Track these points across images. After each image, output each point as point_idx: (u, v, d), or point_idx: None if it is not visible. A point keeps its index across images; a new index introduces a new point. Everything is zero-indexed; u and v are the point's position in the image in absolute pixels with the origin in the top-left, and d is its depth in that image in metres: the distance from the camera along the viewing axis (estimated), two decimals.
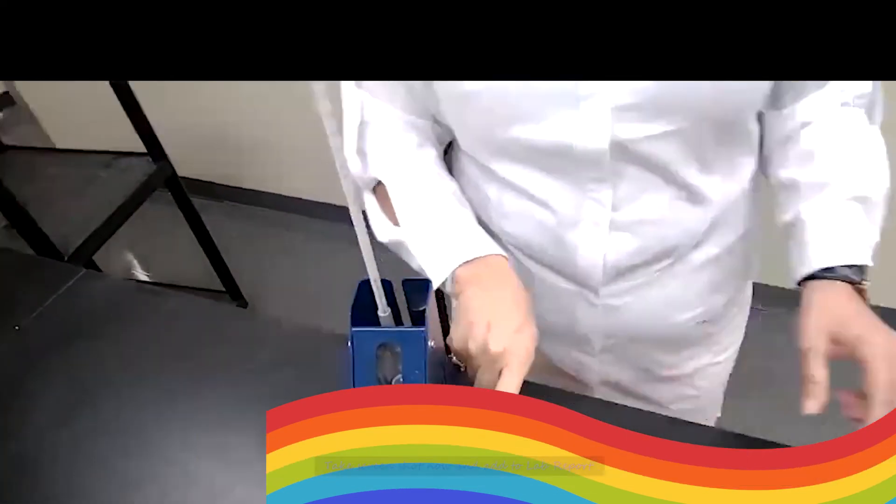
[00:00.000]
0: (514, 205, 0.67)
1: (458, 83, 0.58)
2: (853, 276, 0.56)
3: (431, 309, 0.53)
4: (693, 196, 0.64)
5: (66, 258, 1.39)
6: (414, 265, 0.66)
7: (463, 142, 0.69)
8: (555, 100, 0.56)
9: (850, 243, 0.58)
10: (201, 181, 2.57)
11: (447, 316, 1.75)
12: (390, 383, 0.55)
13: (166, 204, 1.81)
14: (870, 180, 0.61)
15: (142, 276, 2.45)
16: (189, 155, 2.26)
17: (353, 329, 0.50)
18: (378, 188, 0.69)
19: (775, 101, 0.63)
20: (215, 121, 2.35)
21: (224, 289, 2.06)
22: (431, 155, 0.70)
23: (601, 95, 0.54)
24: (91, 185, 1.63)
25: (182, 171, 1.75)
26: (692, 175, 0.62)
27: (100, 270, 1.73)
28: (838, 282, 0.57)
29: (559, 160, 0.60)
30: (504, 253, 0.63)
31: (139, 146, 1.64)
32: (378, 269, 0.48)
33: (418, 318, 0.55)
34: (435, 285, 0.59)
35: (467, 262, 0.60)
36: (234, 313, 1.09)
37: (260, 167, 2.46)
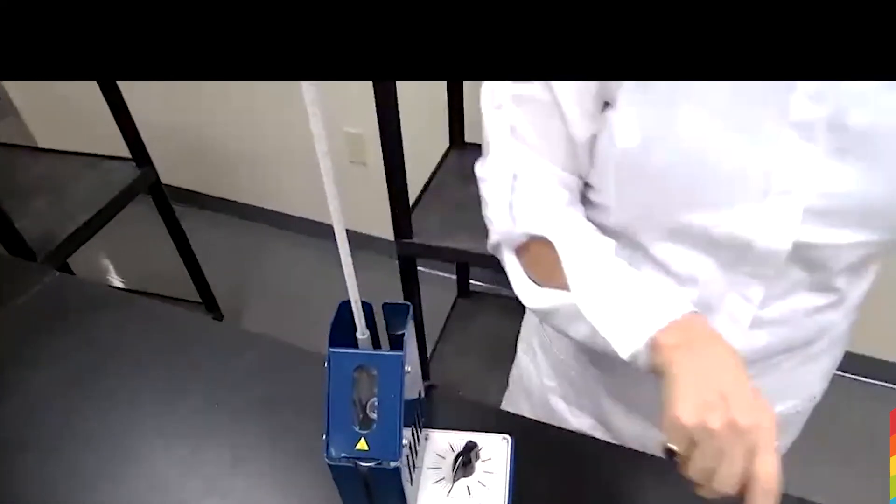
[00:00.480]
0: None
1: (641, 159, 0.53)
2: None
3: (410, 334, 0.52)
4: (839, 300, 0.61)
5: (39, 259, 1.35)
6: (576, 333, 0.59)
7: (618, 215, 0.61)
8: (743, 190, 0.52)
9: None
10: (185, 189, 2.54)
11: (425, 342, 1.75)
12: (365, 406, 0.54)
13: (147, 210, 1.78)
14: None
15: (116, 281, 2.41)
16: (174, 162, 2.24)
17: (331, 350, 0.49)
18: (525, 247, 0.63)
19: None
20: (203, 130, 2.33)
21: (200, 300, 2.03)
22: (582, 213, 0.63)
23: (795, 194, 0.50)
24: (72, 186, 1.60)
25: (166, 178, 1.73)
26: (847, 281, 0.59)
27: (73, 273, 1.70)
28: None
29: (728, 253, 0.56)
30: (697, 309, 0.53)
31: (124, 150, 1.61)
32: (358, 291, 0.47)
33: (397, 343, 0.54)
34: (624, 356, 0.51)
35: (666, 326, 0.50)
36: (207, 324, 1.07)
37: (245, 179, 2.44)
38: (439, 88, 1.54)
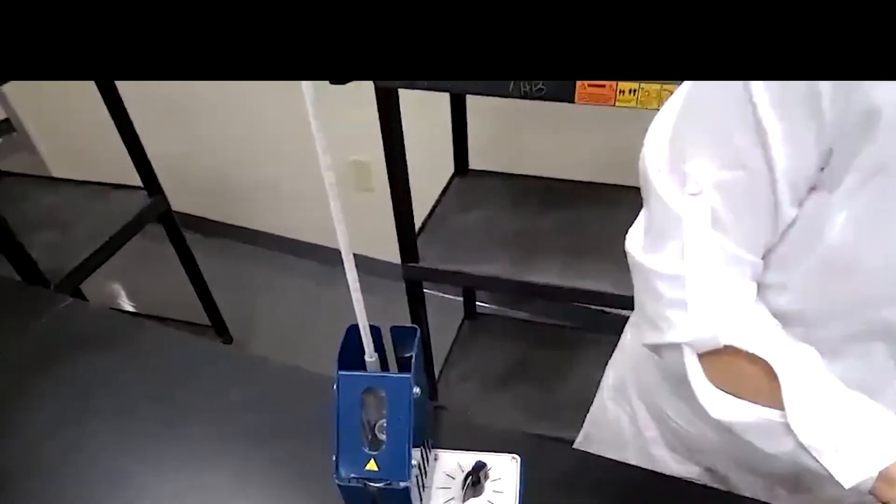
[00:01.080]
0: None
1: (850, 254, 0.50)
2: None
3: (418, 357, 0.53)
4: None
5: (52, 286, 1.37)
6: (773, 448, 0.54)
7: (799, 302, 0.57)
8: None
9: None
10: (195, 216, 2.57)
11: (433, 364, 1.75)
12: (374, 427, 0.54)
13: (159, 236, 1.81)
14: None
15: (128, 306, 2.43)
16: (185, 189, 2.27)
17: (340, 372, 0.50)
18: (714, 354, 0.56)
19: None
20: (213, 158, 2.37)
21: (210, 324, 2.04)
22: (765, 310, 0.58)
23: None
24: (84, 215, 1.63)
25: (177, 205, 1.76)
26: None
27: (86, 300, 1.71)
28: None
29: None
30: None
31: (136, 179, 1.64)
32: (366, 315, 0.48)
33: (405, 365, 0.55)
34: (847, 485, 0.49)
35: None
36: (216, 349, 1.08)
37: (255, 206, 2.47)
38: (444, 116, 1.57)
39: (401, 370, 0.54)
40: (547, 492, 0.69)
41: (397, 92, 1.07)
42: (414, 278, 1.38)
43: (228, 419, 0.76)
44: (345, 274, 0.45)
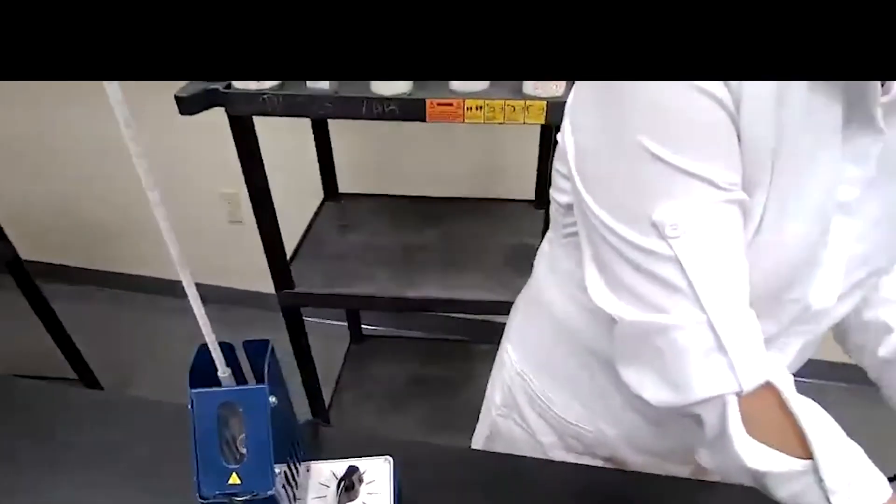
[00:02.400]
0: None
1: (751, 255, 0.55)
2: None
3: (271, 366, 0.56)
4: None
5: None
6: (783, 491, 0.55)
7: None
8: (818, 273, 0.59)
9: None
10: (48, 263, 2.42)
11: (320, 389, 1.75)
12: (235, 444, 0.57)
13: (8, 288, 1.69)
14: None
15: None
16: (35, 237, 2.14)
17: (192, 391, 0.52)
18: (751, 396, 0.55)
19: None
20: (64, 201, 2.25)
21: (77, 377, 1.93)
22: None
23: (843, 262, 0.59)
24: None
25: (32, 254, 1.66)
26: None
27: None
28: None
29: (789, 316, 0.63)
30: None
31: None
32: (215, 332, 0.51)
33: (262, 378, 0.58)
34: None
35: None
36: (86, 395, 1.04)
37: (116, 248, 2.37)
38: (308, 143, 1.60)
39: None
40: (434, 491, 0.74)
41: (251, 119, 1.10)
42: (291, 305, 1.40)
43: (104, 461, 0.75)
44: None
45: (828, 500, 0.53)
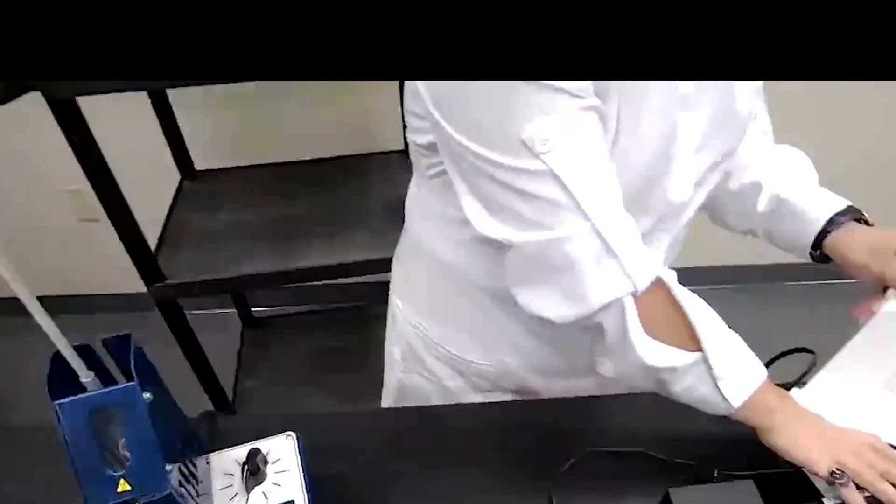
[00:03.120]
0: None
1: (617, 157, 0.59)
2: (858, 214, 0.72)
3: (138, 362, 0.53)
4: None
5: None
6: (677, 386, 0.61)
7: None
8: (681, 164, 0.63)
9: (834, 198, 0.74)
10: None
11: (217, 381, 1.69)
12: (118, 450, 0.54)
13: None
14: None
15: None
16: None
17: (56, 402, 0.48)
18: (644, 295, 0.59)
19: None
20: None
21: None
22: None
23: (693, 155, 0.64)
24: None
25: None
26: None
27: None
28: (851, 222, 0.71)
29: (655, 212, 0.67)
30: None
31: None
32: (66, 336, 0.47)
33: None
34: (736, 404, 0.61)
35: (766, 381, 0.62)
36: None
37: None
38: (151, 122, 1.50)
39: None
40: (346, 458, 0.74)
41: (75, 102, 1.01)
42: (165, 299, 1.33)
43: None
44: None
45: (717, 386, 0.60)
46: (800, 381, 0.75)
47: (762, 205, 0.78)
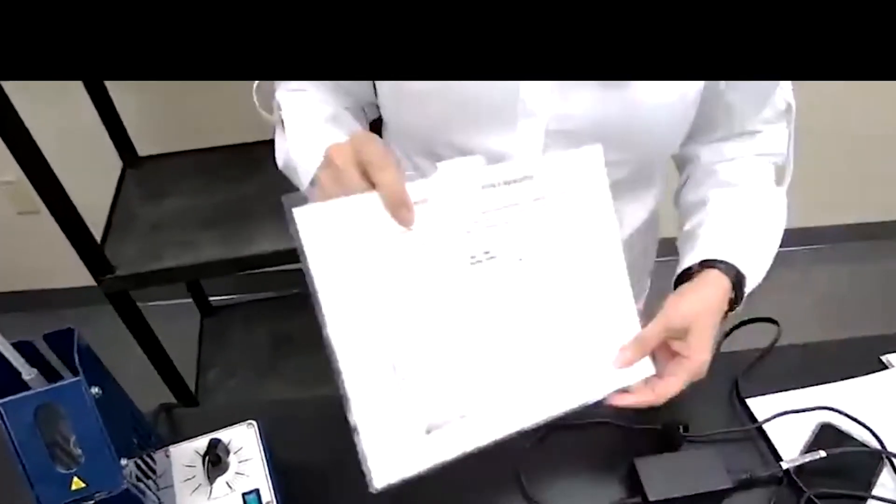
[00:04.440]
0: None
1: (399, 84, 0.62)
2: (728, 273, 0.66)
3: (83, 355, 0.52)
4: None
5: None
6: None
7: (396, 138, 0.74)
8: (494, 113, 0.61)
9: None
10: None
11: (177, 373, 1.68)
12: (69, 448, 0.54)
13: None
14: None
15: None
16: None
17: None
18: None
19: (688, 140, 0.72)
20: None
21: None
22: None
23: (539, 116, 0.60)
24: None
25: None
26: None
27: None
28: (713, 271, 0.66)
29: None
30: None
31: None
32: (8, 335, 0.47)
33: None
34: (304, 184, 0.65)
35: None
36: None
37: None
38: (86, 108, 1.46)
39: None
40: (310, 444, 0.75)
41: (1, 88, 0.98)
42: (116, 290, 1.31)
43: None
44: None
45: None
46: (766, 352, 0.78)
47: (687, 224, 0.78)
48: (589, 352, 0.62)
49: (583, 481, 0.72)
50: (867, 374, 0.81)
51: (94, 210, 1.32)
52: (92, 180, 1.42)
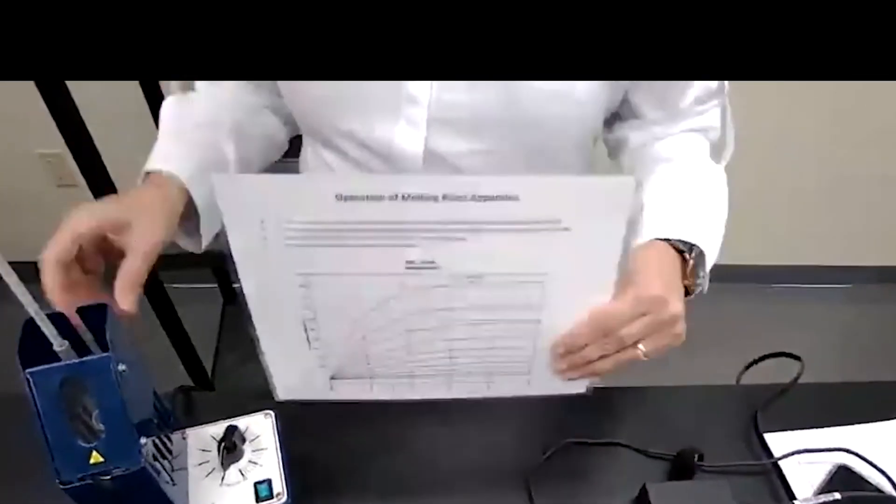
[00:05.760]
0: None
1: None
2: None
3: (113, 332, 0.53)
4: None
5: None
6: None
7: (301, 126, 0.77)
8: (378, 100, 0.63)
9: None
10: None
11: (197, 356, 1.70)
12: (91, 422, 0.54)
13: None
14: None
15: None
16: None
17: (27, 371, 0.48)
18: None
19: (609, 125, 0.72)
20: None
21: None
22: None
23: (422, 104, 0.61)
24: None
25: None
26: None
27: None
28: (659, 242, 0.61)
29: (379, 160, 0.68)
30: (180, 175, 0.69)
31: None
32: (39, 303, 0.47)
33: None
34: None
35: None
36: None
37: None
38: (134, 89, 1.48)
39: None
40: (325, 438, 0.75)
41: None
42: None
43: None
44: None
45: None
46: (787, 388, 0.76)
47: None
48: (522, 359, 0.60)
49: (592, 500, 0.71)
50: (887, 419, 0.79)
51: (131, 188, 1.33)
52: (130, 159, 1.44)
